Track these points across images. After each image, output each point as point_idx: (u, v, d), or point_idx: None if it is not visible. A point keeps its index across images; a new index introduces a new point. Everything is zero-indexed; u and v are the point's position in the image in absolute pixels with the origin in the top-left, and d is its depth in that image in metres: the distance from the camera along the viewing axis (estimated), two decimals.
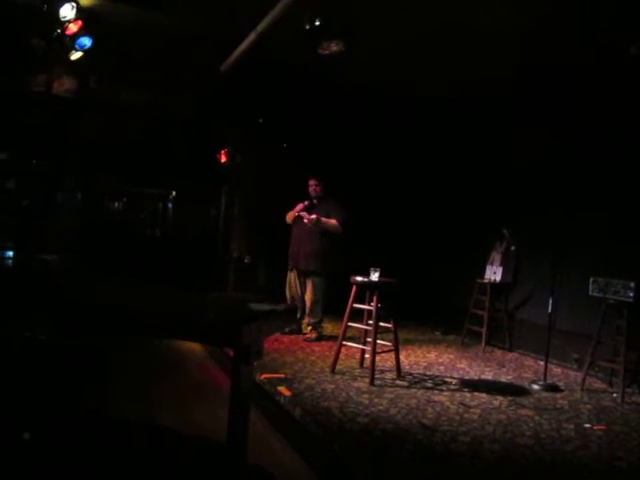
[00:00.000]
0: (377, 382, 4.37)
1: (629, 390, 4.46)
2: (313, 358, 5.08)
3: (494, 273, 6.14)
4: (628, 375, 4.45)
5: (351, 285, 4.69)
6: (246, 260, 7.34)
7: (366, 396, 4.00)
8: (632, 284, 4.29)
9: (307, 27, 4.60)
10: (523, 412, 3.88)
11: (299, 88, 6.55)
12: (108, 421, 2.67)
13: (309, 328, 5.94)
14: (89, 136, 6.69)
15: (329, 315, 6.12)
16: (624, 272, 4.42)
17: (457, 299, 6.62)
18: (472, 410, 3.84)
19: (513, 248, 6.04)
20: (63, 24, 5.02)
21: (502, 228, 6.14)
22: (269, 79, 6.37)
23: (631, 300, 4.30)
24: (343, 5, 4.57)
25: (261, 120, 7.08)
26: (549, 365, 4.78)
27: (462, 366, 5.19)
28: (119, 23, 5.34)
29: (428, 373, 4.84)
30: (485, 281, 6.13)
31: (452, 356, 5.58)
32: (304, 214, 5.87)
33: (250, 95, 6.70)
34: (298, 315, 5.99)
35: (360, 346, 4.80)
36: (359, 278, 4.64)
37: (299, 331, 6.00)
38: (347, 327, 4.66)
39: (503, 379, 4.85)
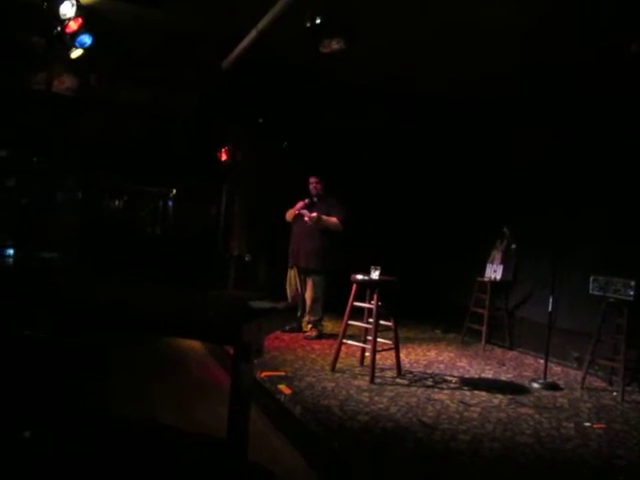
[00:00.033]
0: (377, 380, 4.38)
1: (629, 388, 4.47)
2: (313, 356, 5.08)
3: (494, 271, 6.14)
4: (628, 373, 4.46)
5: (351, 283, 4.69)
6: (246, 258, 7.34)
7: (366, 394, 4.01)
8: (632, 283, 4.29)
9: (308, 25, 4.59)
10: (523, 410, 3.89)
11: (300, 86, 6.54)
12: (109, 419, 2.67)
13: (309, 326, 5.94)
14: (89, 134, 6.67)
15: (329, 313, 6.12)
16: (624, 270, 4.42)
17: (457, 297, 6.63)
18: (472, 408, 3.85)
19: (513, 246, 6.04)
20: (63, 22, 5.00)
21: (502, 226, 6.14)
22: (270, 77, 6.37)
23: (631, 298, 4.30)
24: (344, 3, 4.56)
25: (261, 120, 7.08)
26: (549, 363, 4.78)
27: (462, 364, 5.19)
28: (119, 21, 5.34)
29: (428, 371, 4.84)
30: (485, 279, 6.14)
31: (452, 354, 5.58)
32: (305, 212, 5.87)
33: (251, 93, 6.69)
34: (298, 313, 6.00)
35: (360, 344, 4.80)
36: (359, 276, 4.65)
37: (299, 329, 6.01)
38: (347, 325, 4.67)
39: (503, 377, 4.85)
